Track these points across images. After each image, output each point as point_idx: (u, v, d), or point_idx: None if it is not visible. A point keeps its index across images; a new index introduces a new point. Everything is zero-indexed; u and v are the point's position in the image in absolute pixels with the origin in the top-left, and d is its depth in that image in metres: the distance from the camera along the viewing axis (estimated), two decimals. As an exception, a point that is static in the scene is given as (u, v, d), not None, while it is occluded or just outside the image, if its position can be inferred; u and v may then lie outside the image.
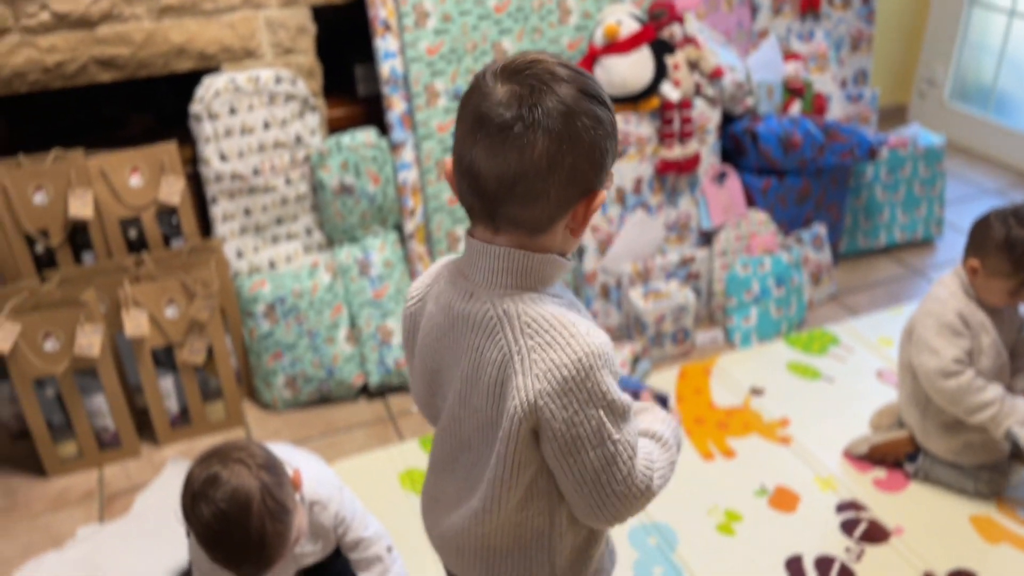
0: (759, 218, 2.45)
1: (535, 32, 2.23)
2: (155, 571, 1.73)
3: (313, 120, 2.18)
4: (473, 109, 0.83)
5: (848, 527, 1.82)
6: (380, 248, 2.23)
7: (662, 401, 1.12)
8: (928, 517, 1.84)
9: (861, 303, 2.60)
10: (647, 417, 1.02)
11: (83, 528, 1.88)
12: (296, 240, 2.26)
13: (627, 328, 2.39)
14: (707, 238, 2.47)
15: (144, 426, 2.15)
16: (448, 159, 0.90)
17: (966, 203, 3.14)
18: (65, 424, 2.03)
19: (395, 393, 2.29)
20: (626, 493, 0.89)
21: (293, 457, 1.41)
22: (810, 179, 2.50)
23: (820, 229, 2.57)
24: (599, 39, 2.21)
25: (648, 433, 0.98)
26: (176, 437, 2.13)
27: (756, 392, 2.23)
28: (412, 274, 2.30)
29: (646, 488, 0.91)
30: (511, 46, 2.21)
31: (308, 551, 1.42)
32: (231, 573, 1.23)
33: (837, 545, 1.78)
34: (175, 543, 1.75)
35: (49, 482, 2.03)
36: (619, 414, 0.87)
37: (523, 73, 0.82)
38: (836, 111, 2.64)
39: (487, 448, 0.93)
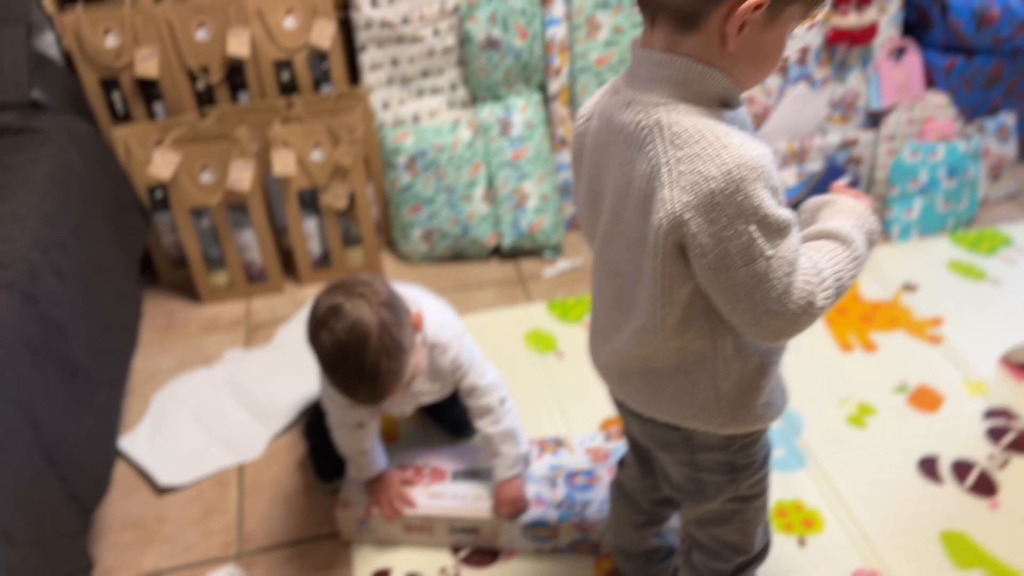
0: (937, 101, 2.22)
1: None
2: (291, 395, 1.84)
3: (464, -30, 2.12)
4: None
5: (995, 435, 1.70)
6: (522, 108, 2.19)
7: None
8: (1090, 434, 1.68)
9: (1045, 205, 2.35)
10: (828, 211, 0.94)
11: (230, 351, 2.02)
12: (440, 95, 2.24)
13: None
14: (875, 119, 2.27)
15: (288, 265, 2.26)
16: None
17: None
18: (218, 256, 2.16)
19: (526, 257, 2.29)
20: (781, 311, 0.84)
21: (419, 299, 1.43)
22: (1003, 60, 2.23)
23: (1008, 119, 2.30)
24: None
25: (827, 233, 0.91)
26: (317, 278, 2.23)
27: (909, 288, 2.08)
28: (553, 137, 2.25)
29: (806, 305, 0.84)
30: None
31: (426, 390, 1.47)
32: (347, 398, 1.29)
33: (979, 451, 1.67)
34: (309, 373, 1.85)
35: (202, 308, 2.19)
36: (774, 230, 0.81)
37: None
38: (1047, -16, 2.31)
39: (637, 269, 0.91)
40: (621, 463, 1.29)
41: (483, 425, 1.46)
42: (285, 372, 1.91)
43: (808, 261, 0.86)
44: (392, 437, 1.75)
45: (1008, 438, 1.69)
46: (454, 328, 1.44)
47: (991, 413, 1.75)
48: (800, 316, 0.85)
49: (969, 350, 1.89)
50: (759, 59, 0.84)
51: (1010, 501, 1.57)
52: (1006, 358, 1.85)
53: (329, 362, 1.24)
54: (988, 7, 2.12)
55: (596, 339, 1.07)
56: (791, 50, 2.14)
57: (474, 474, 1.55)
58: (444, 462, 1.58)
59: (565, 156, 2.26)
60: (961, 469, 1.64)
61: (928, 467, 1.64)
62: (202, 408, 1.84)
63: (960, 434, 1.71)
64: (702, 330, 0.92)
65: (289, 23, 2.08)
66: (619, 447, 1.59)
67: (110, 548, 1.58)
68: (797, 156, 2.23)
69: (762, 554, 1.16)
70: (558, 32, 2.12)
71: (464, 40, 2.15)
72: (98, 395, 1.53)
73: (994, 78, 2.25)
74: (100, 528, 1.60)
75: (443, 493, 1.52)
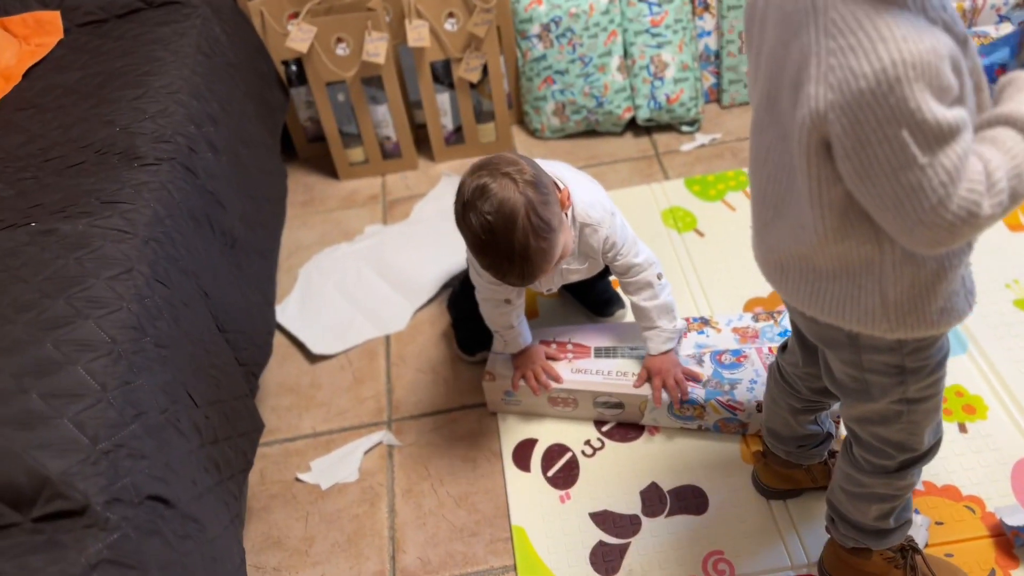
0: None
1: None
2: (432, 269, 1.86)
3: None
4: None
5: None
6: (663, -31, 2.05)
7: None
8: None
9: None
10: (1012, 89, 0.81)
11: (370, 226, 2.05)
12: (574, -42, 2.12)
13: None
14: (1064, -28, 2.02)
15: (422, 141, 2.25)
16: None
17: None
18: (354, 131, 2.16)
19: (663, 131, 2.20)
20: (936, 223, 0.75)
21: (566, 176, 1.39)
22: None
23: None
24: None
25: (1005, 118, 0.79)
26: (450, 155, 2.22)
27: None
28: (694, 1, 2.11)
29: (968, 216, 0.75)
30: None
31: (575, 268, 1.45)
32: (497, 279, 1.28)
33: None
34: (448, 248, 1.87)
35: (340, 183, 2.22)
36: (934, 135, 0.71)
37: None
38: None
39: (788, 163, 0.84)
40: (784, 348, 1.25)
41: (640, 300, 1.45)
42: (424, 247, 1.93)
43: (978, 162, 0.75)
44: (533, 313, 1.76)
45: None
46: (604, 206, 1.40)
47: None
48: (960, 227, 0.75)
49: None
50: None
51: None
52: None
53: (477, 244, 1.23)
54: None
55: (757, 229, 1.00)
56: None
57: (616, 350, 1.54)
58: (587, 338, 1.58)
59: (708, 21, 2.13)
60: None
61: (1104, 357, 1.53)
62: (347, 281, 1.89)
63: None
64: (866, 235, 0.84)
65: None
66: (767, 327, 1.54)
67: (271, 411, 1.67)
68: (967, 16, 2.02)
69: (931, 452, 1.09)
70: None
71: None
72: (254, 266, 1.59)
73: None
74: (262, 393, 1.69)
75: (587, 368, 1.52)
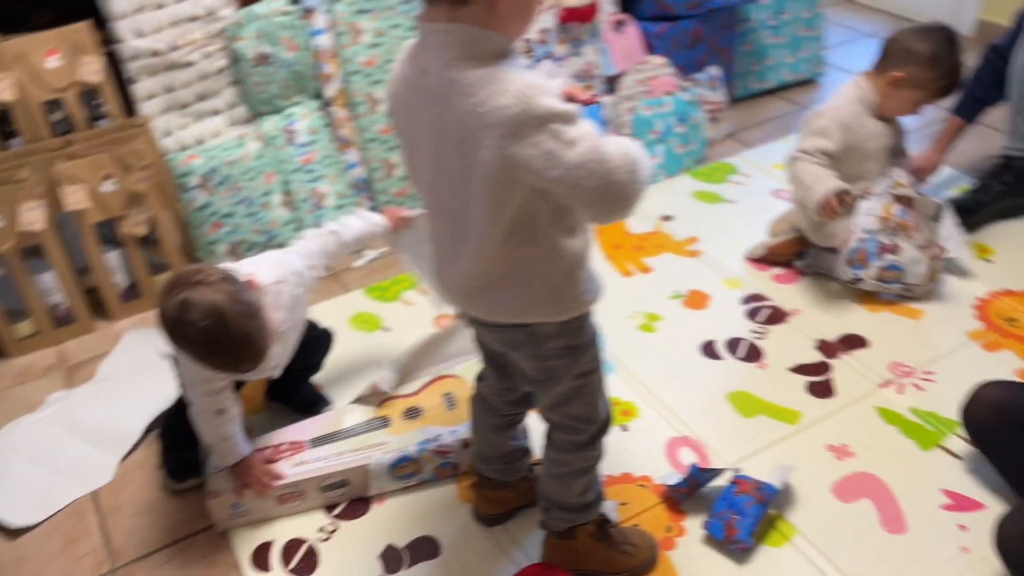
0: (658, 62, 2.62)
1: None
2: (131, 417, 1.85)
3: (222, -6, 2.23)
4: None
5: (753, 314, 2.07)
6: (303, 116, 2.32)
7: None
8: (821, 299, 2.10)
9: (755, 137, 2.82)
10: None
11: (52, 395, 1.98)
12: (220, 115, 2.32)
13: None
14: (611, 84, 2.63)
15: (97, 304, 2.23)
16: None
17: (846, 45, 3.38)
18: (19, 304, 2.10)
19: (334, 254, 2.42)
20: (622, 164, 1.02)
21: (240, 268, 1.53)
22: (701, 23, 2.67)
23: (714, 71, 2.76)
24: None
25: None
26: (128, 311, 2.23)
27: (666, 219, 2.44)
28: (337, 139, 2.40)
29: (637, 155, 1.05)
30: (409, -94, 2.28)
31: (286, 321, 1.54)
32: (234, 373, 1.38)
33: (744, 328, 2.03)
34: (145, 395, 1.88)
35: (11, 362, 2.11)
36: (568, 118, 1.01)
37: None
38: (721, -43, 2.80)
39: (464, 203, 1.09)
40: (480, 377, 1.48)
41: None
42: (118, 400, 1.91)
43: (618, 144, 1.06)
44: (260, 408, 1.83)
45: (763, 315, 2.07)
46: (275, 258, 1.57)
47: (747, 299, 2.12)
48: (634, 166, 1.04)
49: (722, 256, 2.27)
50: (522, 13, 1.06)
51: (773, 360, 1.93)
52: (748, 256, 2.25)
53: (204, 351, 1.33)
54: (680, -20, 2.55)
55: (441, 269, 1.24)
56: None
57: (331, 436, 1.67)
58: (300, 434, 1.69)
59: (353, 154, 2.42)
60: (733, 345, 1.99)
61: (708, 349, 1.98)
62: (39, 450, 1.81)
63: (727, 319, 2.06)
64: (526, 238, 1.11)
65: (53, 62, 2.08)
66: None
67: (-28, 599, 1.53)
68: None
69: (608, 421, 1.38)
70: (325, 41, 2.29)
71: (235, 59, 2.25)
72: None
73: (697, 38, 2.70)
74: (-45, 583, 1.55)
75: (307, 459, 1.63)
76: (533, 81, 1.01)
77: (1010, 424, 1.45)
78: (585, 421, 1.35)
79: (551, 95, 1.01)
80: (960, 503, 1.57)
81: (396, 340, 2.06)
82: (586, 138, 1.02)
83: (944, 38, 1.92)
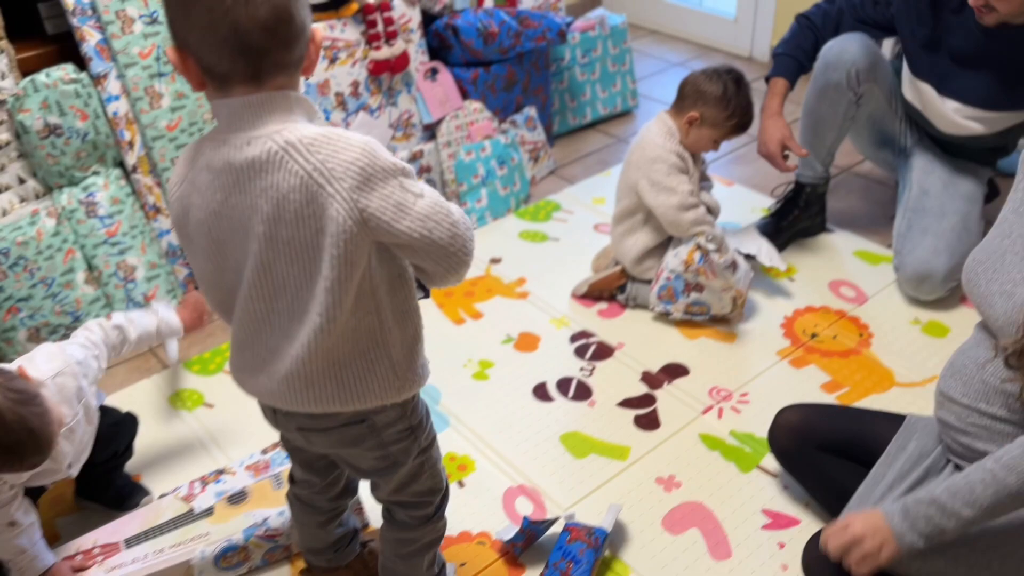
0: (474, 107, 2.65)
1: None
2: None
3: (0, 63, 2.07)
4: None
5: (580, 351, 2.12)
6: (104, 186, 2.19)
7: None
8: (643, 330, 2.17)
9: (576, 173, 2.91)
10: None
11: None
12: (8, 192, 2.16)
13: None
14: (430, 132, 2.64)
15: None
16: (170, 48, 1.00)
17: (656, 76, 3.55)
18: None
19: (151, 328, 2.30)
20: (461, 218, 1.06)
21: (10, 366, 1.42)
22: (513, 66, 2.73)
23: (531, 111, 2.82)
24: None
25: None
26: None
27: (495, 261, 2.47)
28: (144, 207, 2.28)
29: (465, 215, 1.08)
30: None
31: (74, 414, 1.45)
32: (20, 471, 1.27)
33: (573, 367, 2.07)
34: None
35: None
36: (410, 173, 1.03)
37: None
38: (527, 1, 2.88)
39: (307, 276, 1.04)
40: (294, 479, 1.41)
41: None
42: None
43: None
44: (53, 537, 1.68)
45: (590, 351, 2.12)
46: (52, 350, 1.46)
47: (575, 337, 2.17)
48: (467, 225, 1.07)
49: (549, 296, 2.32)
50: (312, 68, 1.06)
51: (601, 397, 1.98)
52: (573, 293, 2.31)
53: None
54: (488, 25, 2.60)
55: (262, 370, 1.14)
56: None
57: (147, 533, 1.57)
58: (113, 535, 1.57)
59: (163, 222, 2.31)
60: (563, 385, 2.02)
61: (540, 391, 2.01)
62: None
63: (557, 359, 2.10)
64: (369, 307, 1.08)
65: None
66: (277, 455, 1.71)
67: None
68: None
69: (448, 485, 1.37)
70: (120, 107, 2.17)
71: (20, 132, 2.10)
72: None
73: (511, 81, 2.75)
74: None
75: (122, 562, 1.52)
76: (370, 138, 1.01)
77: (808, 446, 1.54)
78: (431, 493, 1.32)
79: (389, 151, 1.03)
80: (777, 521, 1.66)
81: (217, 417, 1.97)
82: (428, 191, 1.04)
83: (732, 80, 2.04)
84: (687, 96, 2.08)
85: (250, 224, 1.03)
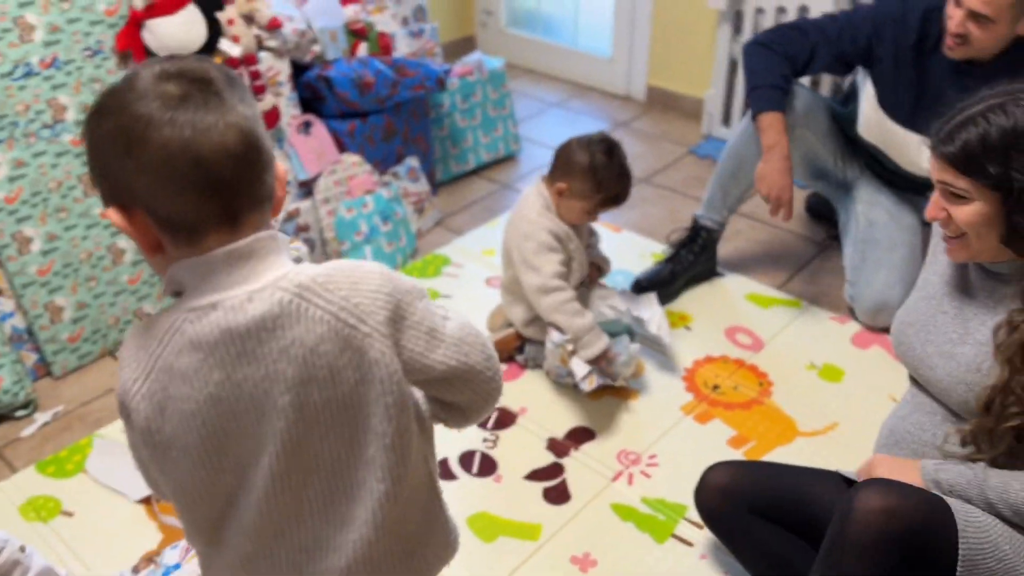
0: (353, 160, 2.52)
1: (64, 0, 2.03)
2: None
3: None
4: (149, 113, 0.77)
5: (482, 422, 2.01)
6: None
7: None
8: (544, 392, 2.09)
9: (463, 223, 2.81)
10: None
11: None
12: None
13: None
14: (307, 188, 2.49)
15: None
16: (111, 210, 0.81)
17: (536, 117, 3.51)
18: None
19: (-3, 424, 2.04)
20: (488, 337, 0.98)
21: None
22: (391, 116, 2.62)
23: (413, 162, 2.71)
24: (139, 1, 2.08)
25: None
26: None
27: (384, 324, 2.33)
28: (-17, 289, 2.02)
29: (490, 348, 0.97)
30: (37, 18, 1.99)
31: None
32: None
33: (475, 438, 1.96)
34: None
35: None
36: (427, 293, 0.92)
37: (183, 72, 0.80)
38: (402, 48, 2.78)
39: (344, 440, 0.87)
40: None
41: None
42: None
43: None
44: None
45: (492, 419, 2.02)
46: None
47: (474, 405, 2.06)
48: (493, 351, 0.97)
49: (444, 359, 2.20)
50: (280, 208, 0.92)
51: (507, 470, 1.88)
52: (471, 356, 2.20)
53: None
54: (363, 75, 2.47)
55: (303, 574, 0.92)
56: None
57: None
58: None
59: (6, 303, 2.06)
60: (467, 460, 1.91)
61: (444, 469, 1.89)
62: None
63: (458, 431, 1.98)
64: (419, 454, 0.94)
65: None
66: (151, 574, 1.52)
67: None
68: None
69: None
70: (-53, 179, 1.92)
71: None
72: None
73: (390, 132, 2.64)
74: None
75: None
76: (376, 262, 0.92)
77: (739, 507, 1.48)
78: None
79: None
80: (699, 595, 1.60)
81: (76, 528, 1.74)
82: (449, 311, 0.93)
83: (603, 151, 1.92)
84: (558, 167, 1.97)
85: (267, 399, 0.84)
